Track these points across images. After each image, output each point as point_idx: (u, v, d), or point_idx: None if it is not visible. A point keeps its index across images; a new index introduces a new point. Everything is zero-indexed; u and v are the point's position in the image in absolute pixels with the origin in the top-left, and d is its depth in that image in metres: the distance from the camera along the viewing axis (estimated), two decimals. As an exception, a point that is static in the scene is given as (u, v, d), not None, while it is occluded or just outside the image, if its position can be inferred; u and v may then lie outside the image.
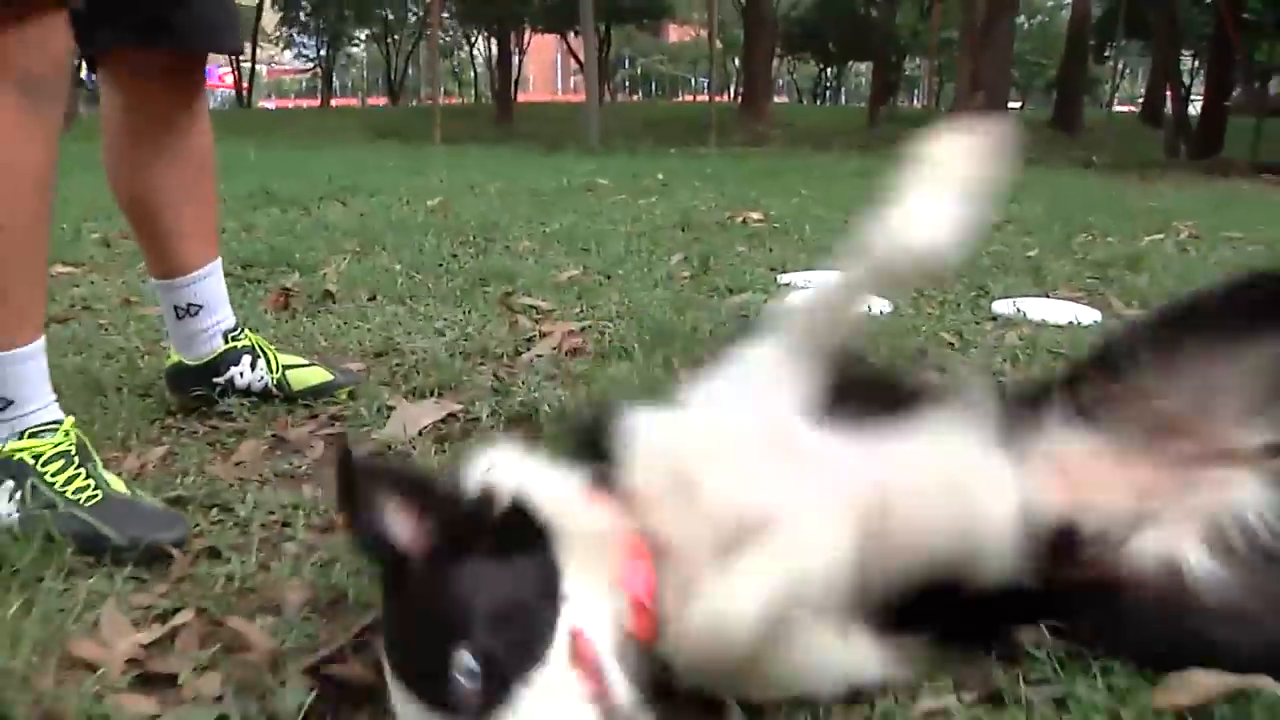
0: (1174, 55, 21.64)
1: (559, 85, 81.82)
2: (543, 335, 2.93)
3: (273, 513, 1.77)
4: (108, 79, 2.06)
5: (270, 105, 55.71)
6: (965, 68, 17.92)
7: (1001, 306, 3.53)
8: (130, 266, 4.13)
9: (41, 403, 1.74)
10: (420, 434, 2.15)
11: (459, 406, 2.30)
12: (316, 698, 1.19)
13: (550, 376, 2.51)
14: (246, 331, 2.37)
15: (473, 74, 55.38)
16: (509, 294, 3.51)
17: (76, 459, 1.71)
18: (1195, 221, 6.54)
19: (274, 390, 2.35)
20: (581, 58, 29.91)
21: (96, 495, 1.66)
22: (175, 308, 2.28)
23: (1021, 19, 50.94)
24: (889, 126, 26.79)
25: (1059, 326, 3.25)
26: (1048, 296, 3.80)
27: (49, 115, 1.65)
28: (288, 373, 2.37)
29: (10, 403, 1.69)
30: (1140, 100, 38.65)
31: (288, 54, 47.99)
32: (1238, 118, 19.41)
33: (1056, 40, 39.53)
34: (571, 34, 35.04)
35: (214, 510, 1.78)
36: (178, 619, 1.41)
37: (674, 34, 70.82)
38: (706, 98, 24.87)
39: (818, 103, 55.15)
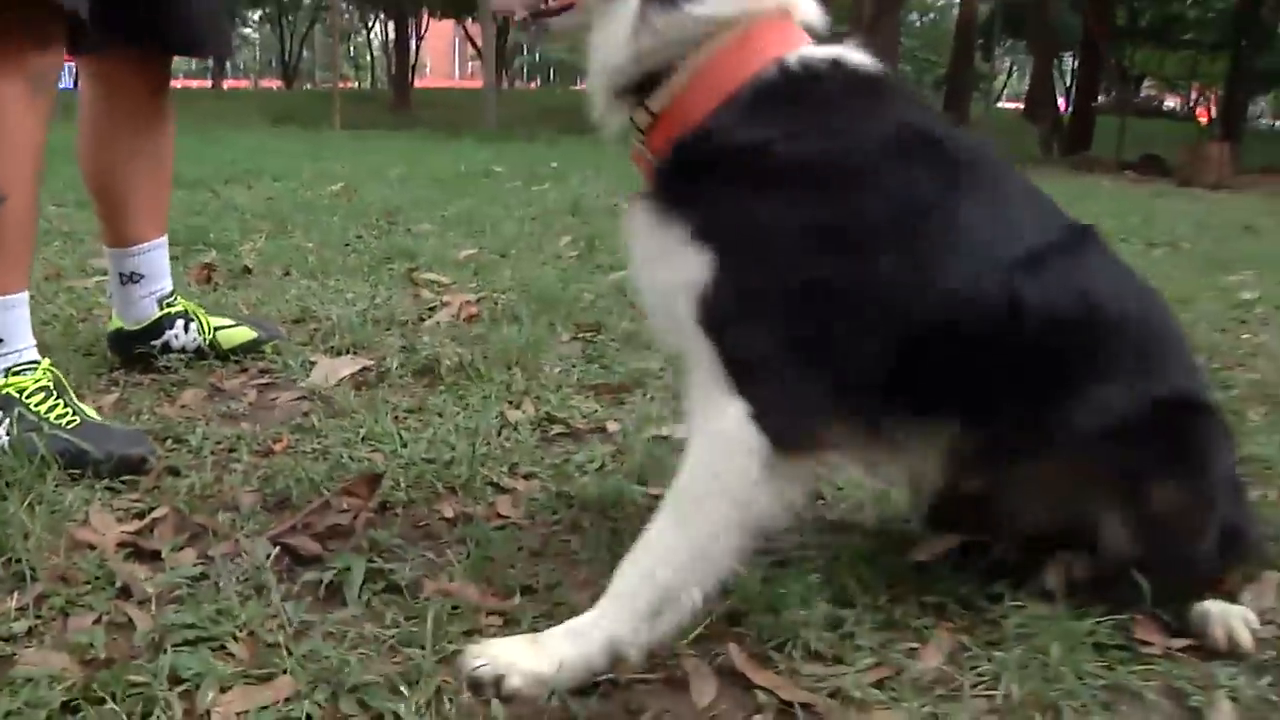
0: (1050, 57, 22.62)
1: (456, 70, 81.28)
2: (443, 305, 3.30)
3: (220, 443, 2.12)
4: (87, 70, 2.39)
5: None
6: (852, 64, 18.55)
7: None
8: (46, 244, 4.36)
9: (25, 344, 2.09)
10: (340, 383, 2.51)
11: (372, 361, 2.66)
12: (275, 558, 1.57)
13: (451, 337, 2.88)
14: (179, 298, 2.67)
15: (369, 58, 54.87)
16: (412, 270, 3.88)
17: (55, 392, 2.05)
18: (1047, 213, 7.13)
19: (206, 349, 2.65)
20: (479, 43, 29.99)
21: (75, 420, 1.99)
22: (120, 274, 2.59)
23: (914, 16, 52.19)
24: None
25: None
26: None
27: (45, 102, 2.02)
28: (218, 333, 2.68)
29: (1, 341, 2.04)
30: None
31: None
32: (1112, 117, 20.45)
33: (946, 38, 40.62)
34: (469, 19, 35.09)
35: (169, 441, 2.12)
36: (154, 515, 1.76)
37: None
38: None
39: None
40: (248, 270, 3.83)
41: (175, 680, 1.26)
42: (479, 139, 13.00)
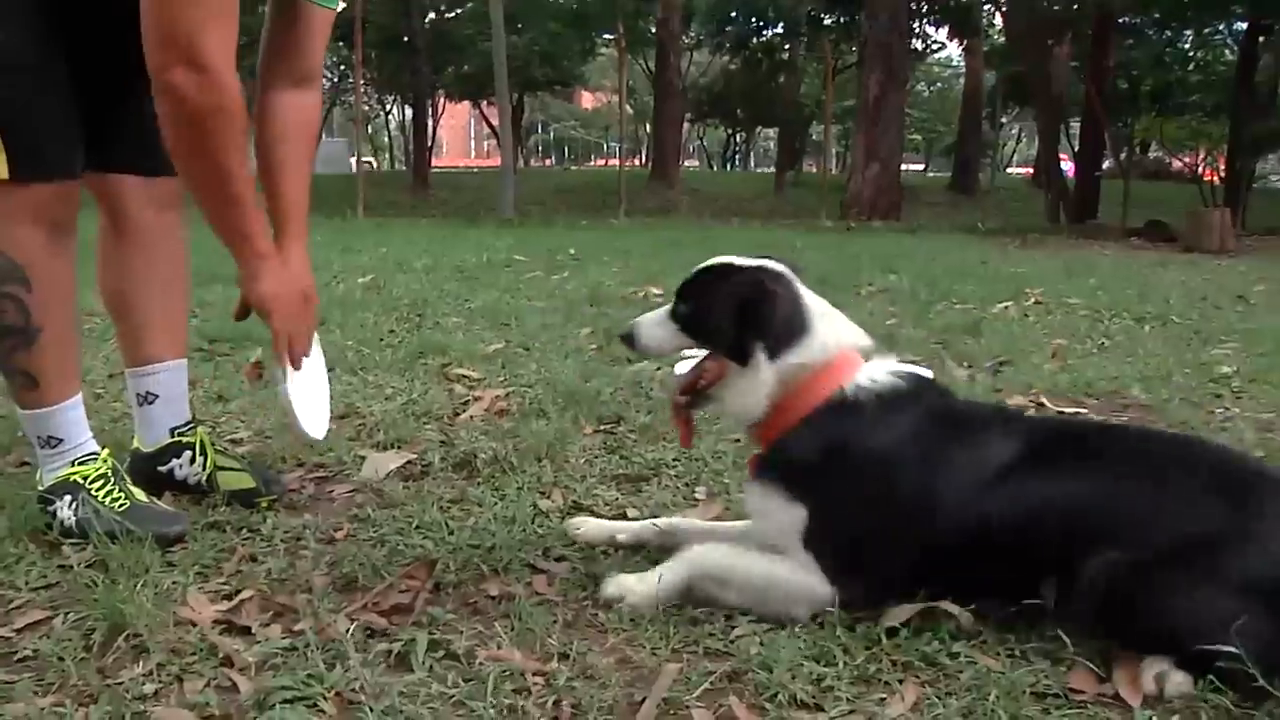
0: (1054, 126, 23.08)
1: (472, 149, 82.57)
2: (475, 399, 3.62)
3: (288, 532, 2.43)
4: (92, 191, 2.52)
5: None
6: (859, 140, 19.06)
7: (852, 369, 4.30)
8: (104, 341, 4.71)
9: (84, 438, 2.45)
10: (388, 476, 2.82)
11: (415, 455, 2.98)
12: (351, 632, 1.87)
13: (484, 432, 3.20)
14: (198, 430, 2.70)
15: (387, 139, 55.94)
16: (445, 365, 4.21)
17: (112, 478, 2.42)
18: (1044, 288, 7.46)
19: (204, 486, 2.65)
20: (494, 122, 30.71)
21: (126, 503, 2.38)
22: (138, 394, 2.67)
23: (921, 86, 53.03)
24: (795, 191, 27.98)
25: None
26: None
27: (67, 242, 2.34)
28: (219, 474, 2.65)
29: (61, 440, 2.41)
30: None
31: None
32: (1119, 182, 20.83)
33: (955, 107, 41.41)
34: (485, 102, 35.91)
35: (244, 530, 2.43)
36: (241, 596, 2.07)
37: (586, 100, 72.10)
38: (617, 162, 25.85)
39: (728, 167, 56.61)
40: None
41: (282, 732, 1.56)
42: (498, 225, 13.43)
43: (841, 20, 29.18)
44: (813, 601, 1.95)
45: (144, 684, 1.71)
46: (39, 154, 2.24)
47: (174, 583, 2.11)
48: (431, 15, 30.92)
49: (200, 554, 2.27)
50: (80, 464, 2.41)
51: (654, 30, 31.32)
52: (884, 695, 1.69)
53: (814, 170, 42.44)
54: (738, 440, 3.02)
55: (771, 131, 52.24)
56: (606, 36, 35.06)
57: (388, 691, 1.67)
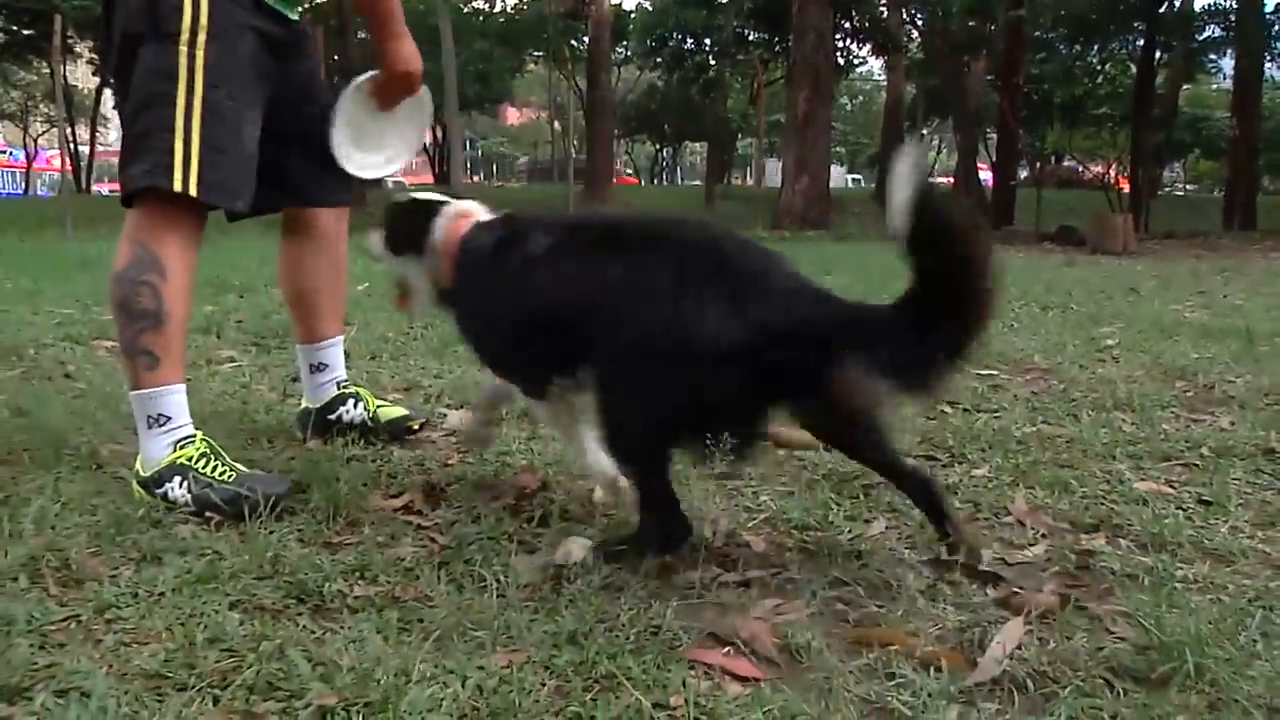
0: (972, 138, 24.37)
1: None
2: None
3: (414, 460, 3.24)
4: (291, 217, 3.28)
5: (103, 189, 52.13)
6: (789, 154, 20.09)
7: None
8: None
9: (186, 421, 2.81)
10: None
11: (483, 412, 3.81)
12: (502, 506, 2.72)
13: (532, 394, 4.03)
14: (354, 384, 3.48)
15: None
16: (474, 351, 5.03)
17: (212, 455, 2.75)
18: (962, 284, 8.42)
19: (369, 423, 3.40)
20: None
21: (232, 474, 2.70)
22: (310, 364, 3.40)
23: (845, 99, 54.49)
24: (725, 204, 29.00)
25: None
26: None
27: (197, 247, 2.85)
28: (379, 410, 3.43)
29: (170, 419, 2.77)
30: (954, 174, 41.78)
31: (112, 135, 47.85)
32: (1035, 190, 22.15)
33: (877, 119, 42.75)
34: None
35: (378, 461, 3.22)
36: (405, 498, 2.86)
37: (512, 116, 72.55)
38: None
39: (655, 182, 57.62)
40: (347, 354, 4.95)
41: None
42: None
43: (769, 39, 30.40)
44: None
45: (376, 537, 2.54)
46: (222, 187, 2.77)
47: (350, 490, 2.91)
48: (362, 34, 31.32)
49: (359, 475, 3.03)
50: (181, 447, 2.72)
51: (585, 49, 32.18)
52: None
53: (739, 183, 43.44)
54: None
55: (699, 145, 53.39)
56: (536, 54, 35.89)
57: (546, 534, 2.53)
